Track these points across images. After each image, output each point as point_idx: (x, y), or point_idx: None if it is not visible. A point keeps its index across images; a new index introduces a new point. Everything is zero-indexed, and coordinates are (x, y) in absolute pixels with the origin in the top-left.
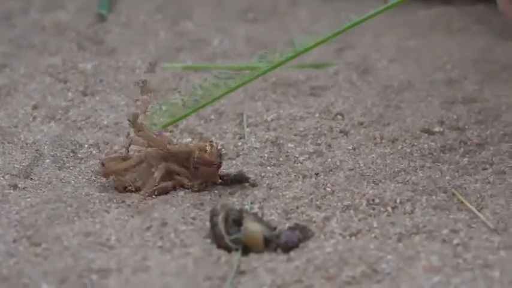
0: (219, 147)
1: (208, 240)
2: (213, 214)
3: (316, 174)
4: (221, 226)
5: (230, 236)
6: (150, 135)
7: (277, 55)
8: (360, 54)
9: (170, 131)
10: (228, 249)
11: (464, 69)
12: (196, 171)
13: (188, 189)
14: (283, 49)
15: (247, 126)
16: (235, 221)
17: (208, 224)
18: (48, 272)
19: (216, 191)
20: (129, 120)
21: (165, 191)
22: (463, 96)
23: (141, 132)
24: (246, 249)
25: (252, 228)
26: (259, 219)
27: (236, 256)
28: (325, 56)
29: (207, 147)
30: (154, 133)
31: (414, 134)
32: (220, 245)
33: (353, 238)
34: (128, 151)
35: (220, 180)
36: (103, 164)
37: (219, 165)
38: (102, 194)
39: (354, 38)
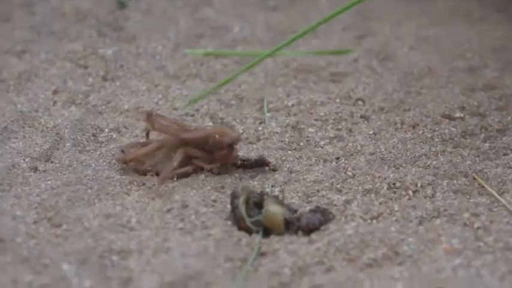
0: (234, 131)
1: (229, 223)
2: (234, 196)
3: (337, 158)
4: (242, 208)
5: (251, 218)
6: (165, 127)
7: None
8: (380, 42)
9: (192, 115)
10: (249, 231)
11: (484, 57)
12: (212, 155)
13: (209, 172)
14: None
15: (268, 112)
16: (256, 203)
17: (229, 206)
18: (69, 252)
19: (236, 175)
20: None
21: (185, 175)
22: (483, 83)
23: (156, 126)
24: (267, 231)
25: (273, 210)
26: (280, 202)
27: (257, 238)
28: (345, 43)
29: (225, 130)
30: (170, 121)
31: (435, 119)
32: (241, 226)
33: (374, 221)
34: (148, 137)
35: (241, 163)
36: (123, 151)
37: (232, 147)
38: (123, 177)
39: (374, 25)
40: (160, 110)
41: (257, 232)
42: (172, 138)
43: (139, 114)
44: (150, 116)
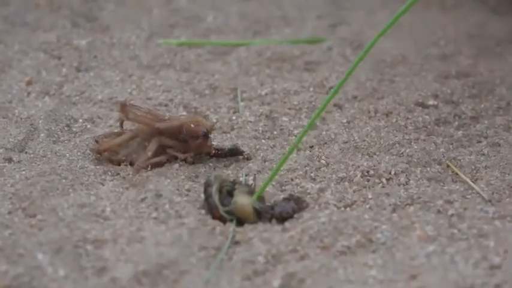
0: (208, 120)
1: (203, 211)
2: (207, 185)
3: (311, 147)
4: (215, 197)
5: (224, 207)
6: (139, 117)
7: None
8: (354, 30)
9: (165, 105)
10: (223, 220)
11: (458, 44)
12: (186, 144)
13: (183, 161)
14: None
15: (242, 101)
16: (229, 192)
17: (202, 195)
18: (44, 242)
19: (210, 164)
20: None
21: (159, 165)
22: (457, 70)
23: (130, 116)
24: (240, 221)
25: (242, 201)
26: (251, 191)
27: (231, 227)
28: (319, 31)
29: (199, 119)
30: (144, 111)
31: (408, 107)
32: (215, 215)
33: (348, 209)
34: (122, 127)
35: (215, 153)
36: (97, 141)
37: (206, 136)
38: (97, 167)
39: (347, 13)
40: (134, 100)
41: (231, 221)
42: (146, 128)
43: (114, 104)
44: (124, 106)
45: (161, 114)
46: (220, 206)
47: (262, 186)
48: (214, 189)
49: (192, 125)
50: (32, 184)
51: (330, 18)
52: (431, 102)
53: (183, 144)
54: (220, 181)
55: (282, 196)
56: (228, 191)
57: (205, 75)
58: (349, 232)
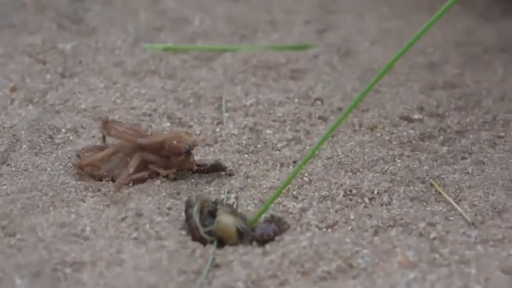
0: (191, 136)
1: (184, 232)
2: (188, 206)
3: (294, 162)
4: (196, 218)
5: (205, 228)
6: (121, 134)
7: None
8: (341, 36)
9: (149, 115)
10: (203, 242)
11: (445, 52)
12: (168, 160)
13: (164, 177)
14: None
15: (226, 111)
16: (211, 212)
17: (183, 214)
18: (22, 265)
19: (192, 180)
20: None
21: (140, 181)
22: (443, 81)
23: (113, 133)
24: (221, 242)
25: (225, 220)
26: (234, 211)
27: (211, 249)
28: (306, 37)
29: (181, 135)
30: (126, 127)
31: (393, 121)
32: (195, 237)
33: (329, 230)
34: (104, 140)
35: (197, 169)
36: (78, 156)
37: (189, 153)
38: (78, 182)
39: (335, 17)
40: (118, 109)
41: (211, 242)
42: (129, 143)
43: (97, 114)
44: (105, 123)
45: (143, 130)
46: (201, 227)
47: (257, 214)
48: (195, 210)
49: (175, 142)
50: (12, 201)
51: (317, 23)
52: (416, 116)
53: (165, 160)
54: (202, 201)
55: (263, 216)
56: (209, 211)
57: (190, 83)
58: (329, 257)
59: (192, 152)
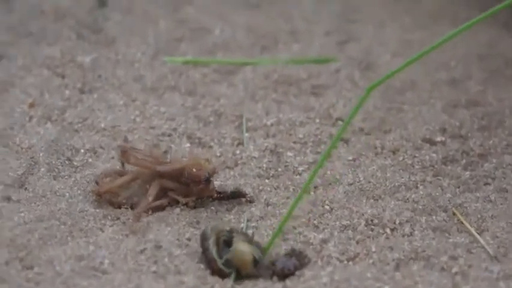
0: (211, 164)
1: (202, 266)
2: (204, 238)
3: (315, 187)
4: (213, 250)
5: (222, 259)
6: (140, 161)
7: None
8: (363, 48)
9: (169, 135)
10: (222, 274)
11: (468, 66)
12: (188, 187)
13: (184, 205)
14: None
15: (247, 131)
16: (226, 241)
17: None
18: None
19: (212, 207)
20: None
21: (160, 209)
22: (466, 98)
23: (131, 161)
24: (239, 271)
25: (241, 248)
26: (250, 239)
27: (229, 283)
28: (327, 49)
29: (201, 163)
30: (145, 154)
31: (416, 144)
32: (214, 269)
33: (350, 263)
34: (124, 165)
35: (217, 196)
36: (97, 183)
37: (208, 181)
38: (97, 210)
39: (357, 28)
40: (138, 128)
41: (230, 274)
42: (148, 170)
43: (116, 133)
44: (124, 153)
45: (162, 156)
46: (218, 259)
47: (269, 242)
48: (211, 242)
49: (194, 169)
50: (30, 231)
51: (338, 33)
52: (439, 138)
53: (184, 187)
54: (217, 232)
55: (283, 247)
56: (225, 241)
57: (210, 100)
58: None
59: (211, 179)
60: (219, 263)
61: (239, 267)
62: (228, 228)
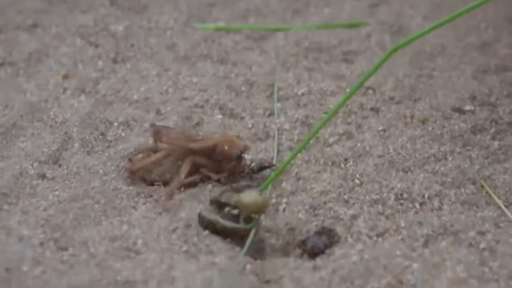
0: (242, 141)
1: (230, 241)
2: (205, 220)
3: (345, 159)
4: (222, 220)
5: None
6: (173, 140)
7: None
8: (394, 11)
9: (201, 106)
10: (244, 233)
11: (497, 29)
12: (220, 164)
13: (216, 181)
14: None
15: (278, 101)
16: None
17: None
18: (74, 286)
19: (244, 183)
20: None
21: (192, 185)
22: (495, 63)
23: (164, 140)
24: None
25: (243, 196)
26: (239, 189)
27: (261, 265)
28: (358, 13)
29: (232, 140)
30: (177, 133)
31: (445, 113)
32: (237, 235)
33: (380, 239)
34: (156, 142)
35: (248, 172)
36: (130, 160)
37: (240, 158)
38: (130, 187)
39: None
40: (170, 100)
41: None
42: (180, 147)
43: (149, 105)
44: (157, 133)
45: (194, 134)
46: (234, 224)
47: (269, 179)
48: (217, 217)
49: (226, 147)
50: (65, 211)
51: None
52: (468, 107)
53: (216, 164)
54: (213, 207)
55: (314, 223)
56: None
57: (242, 68)
58: (379, 273)
59: (243, 156)
60: (238, 225)
61: (255, 209)
62: (216, 197)
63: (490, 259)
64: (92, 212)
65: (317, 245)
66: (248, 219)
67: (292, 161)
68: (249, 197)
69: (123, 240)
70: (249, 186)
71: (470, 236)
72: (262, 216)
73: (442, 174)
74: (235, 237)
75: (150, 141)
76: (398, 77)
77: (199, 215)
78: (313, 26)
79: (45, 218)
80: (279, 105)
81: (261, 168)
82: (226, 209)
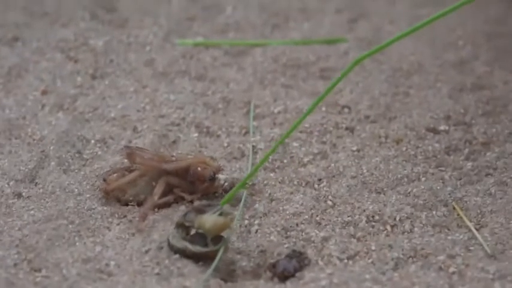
0: (215, 162)
1: (204, 267)
2: (175, 247)
3: (319, 180)
4: (190, 246)
5: (197, 245)
6: (146, 161)
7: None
8: (373, 26)
9: (177, 125)
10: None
11: (476, 45)
12: (193, 185)
13: (189, 202)
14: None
15: (254, 119)
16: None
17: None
18: None
19: (205, 202)
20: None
21: (166, 206)
22: (472, 81)
23: (138, 161)
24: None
25: (203, 219)
26: (200, 209)
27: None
28: (337, 28)
29: (206, 161)
30: (151, 154)
31: (419, 133)
32: (205, 257)
33: (350, 262)
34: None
35: (221, 192)
36: (105, 180)
37: (213, 180)
38: (104, 208)
39: (368, 3)
40: (147, 118)
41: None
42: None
43: (126, 123)
44: (130, 154)
45: (167, 155)
46: (199, 248)
47: (232, 191)
48: (184, 243)
49: (199, 168)
50: (39, 232)
51: (349, 11)
52: (442, 127)
53: (190, 184)
54: (180, 231)
55: (285, 245)
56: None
57: (219, 85)
58: None
59: (216, 177)
60: (206, 248)
61: (217, 231)
62: (181, 221)
63: (459, 283)
64: (65, 233)
65: (287, 269)
66: (216, 239)
67: (265, 182)
68: (210, 220)
69: (96, 261)
70: (209, 206)
71: (439, 260)
72: (231, 234)
73: (414, 196)
74: (205, 259)
75: (126, 160)
76: (374, 95)
77: (169, 243)
78: (291, 42)
79: (20, 238)
80: (254, 123)
81: (232, 186)
82: (193, 231)
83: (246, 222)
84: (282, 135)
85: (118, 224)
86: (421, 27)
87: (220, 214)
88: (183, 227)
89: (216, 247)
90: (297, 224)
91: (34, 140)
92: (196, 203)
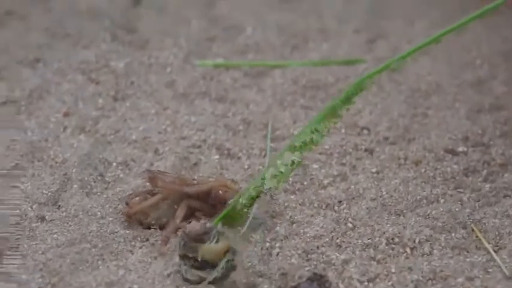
0: (236, 184)
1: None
2: (187, 279)
3: (339, 202)
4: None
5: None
6: (168, 185)
7: None
8: (391, 46)
9: (198, 147)
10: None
11: (493, 65)
12: (215, 208)
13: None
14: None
15: (272, 141)
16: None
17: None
18: None
19: (196, 227)
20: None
21: None
22: (490, 102)
23: (160, 185)
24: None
25: (204, 250)
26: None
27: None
28: (356, 48)
29: (227, 184)
30: (172, 177)
31: (438, 154)
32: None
33: (370, 285)
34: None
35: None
36: (127, 203)
37: None
38: (127, 231)
39: (385, 24)
40: (168, 140)
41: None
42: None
43: (147, 145)
44: (152, 178)
45: (189, 178)
46: (207, 276)
47: (219, 217)
48: (193, 274)
49: (220, 191)
50: (62, 256)
51: (367, 31)
52: (460, 148)
53: (211, 207)
54: (186, 262)
55: (306, 268)
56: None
57: (240, 107)
58: None
59: None
60: (212, 276)
61: (220, 257)
62: (184, 253)
63: None
64: (89, 257)
65: None
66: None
67: (286, 204)
68: (209, 251)
69: (119, 285)
70: (205, 233)
71: (459, 282)
72: (240, 250)
73: (434, 218)
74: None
75: (147, 183)
76: (393, 117)
77: (184, 278)
78: (310, 63)
79: (44, 262)
80: (273, 145)
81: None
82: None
83: (268, 245)
84: (303, 157)
85: (140, 248)
86: (435, 40)
87: (217, 239)
88: (187, 258)
89: (225, 270)
90: (317, 247)
91: (56, 162)
92: (189, 228)
